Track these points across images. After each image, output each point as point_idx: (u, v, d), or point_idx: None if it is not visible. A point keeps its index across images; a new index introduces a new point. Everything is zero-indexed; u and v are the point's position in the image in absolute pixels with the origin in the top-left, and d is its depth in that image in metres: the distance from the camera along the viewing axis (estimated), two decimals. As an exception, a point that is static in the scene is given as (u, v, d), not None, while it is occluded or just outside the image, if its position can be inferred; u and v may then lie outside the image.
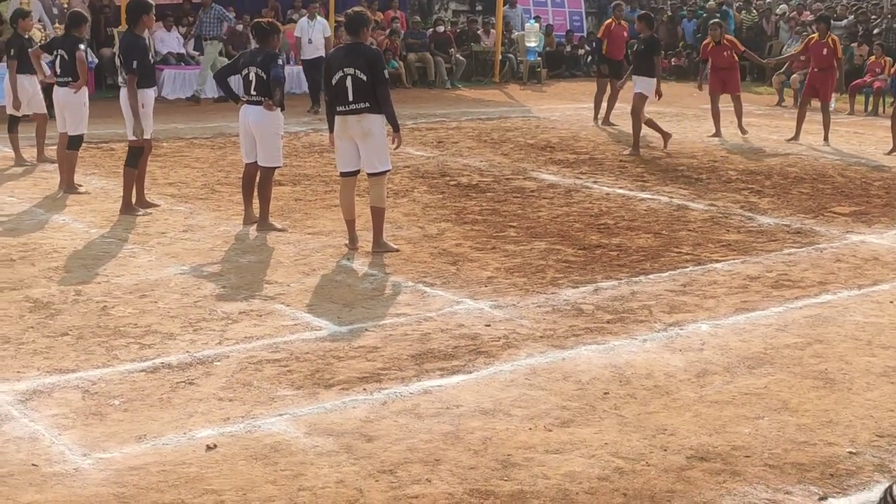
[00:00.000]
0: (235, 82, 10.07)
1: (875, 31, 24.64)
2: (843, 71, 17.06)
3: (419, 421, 5.55)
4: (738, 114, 17.19)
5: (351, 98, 8.73)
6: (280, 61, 9.67)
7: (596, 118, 18.25)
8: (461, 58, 24.76)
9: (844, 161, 14.59)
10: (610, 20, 18.51)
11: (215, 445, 5.15)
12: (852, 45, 24.38)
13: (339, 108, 8.83)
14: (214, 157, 13.77)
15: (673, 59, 27.91)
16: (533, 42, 25.81)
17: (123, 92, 10.23)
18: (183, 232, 9.66)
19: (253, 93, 9.65)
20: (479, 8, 28.38)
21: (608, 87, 18.13)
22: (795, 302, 7.88)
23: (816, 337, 7.09)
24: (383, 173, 9.01)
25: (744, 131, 16.95)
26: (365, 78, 8.69)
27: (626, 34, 18.45)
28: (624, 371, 6.36)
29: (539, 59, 26.08)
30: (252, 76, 9.62)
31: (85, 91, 11.41)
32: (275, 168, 9.91)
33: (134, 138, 10.25)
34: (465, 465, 5.04)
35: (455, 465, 5.03)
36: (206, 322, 7.07)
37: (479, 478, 4.90)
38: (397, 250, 9.07)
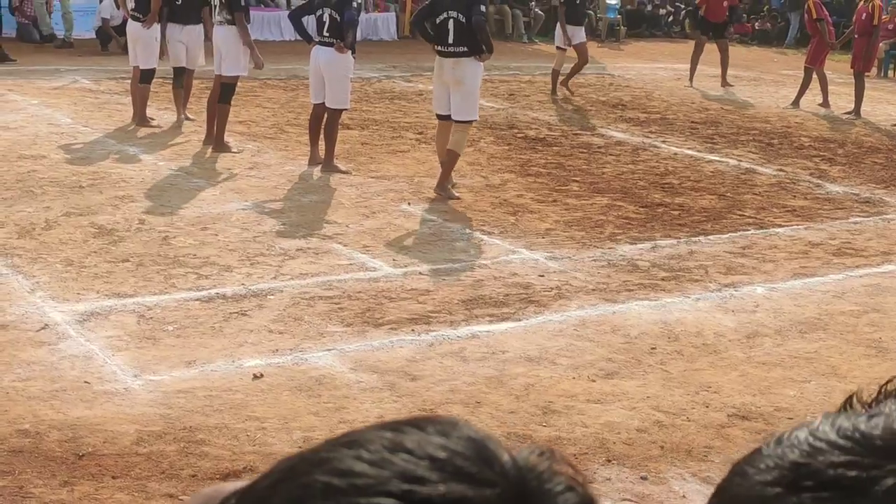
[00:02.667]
0: (310, 24, 10.12)
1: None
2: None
3: (464, 364, 5.60)
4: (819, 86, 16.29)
5: (451, 41, 8.93)
6: (355, 4, 9.70)
7: (691, 79, 17.66)
8: (539, 12, 24.55)
9: (923, 133, 14.27)
10: None
11: (262, 375, 5.26)
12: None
13: (439, 49, 9.06)
14: (286, 99, 13.88)
15: (756, 23, 27.42)
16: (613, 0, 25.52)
17: (220, 29, 10.36)
18: (248, 169, 9.79)
19: (326, 34, 9.70)
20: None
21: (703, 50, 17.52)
22: (856, 270, 7.78)
23: (874, 306, 7.00)
24: (469, 122, 9.18)
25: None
26: (464, 21, 8.88)
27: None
28: (673, 328, 6.35)
29: (619, 16, 25.77)
30: (326, 17, 9.66)
31: (157, 26, 11.52)
32: (342, 110, 9.97)
33: (228, 75, 10.37)
34: (506, 409, 5.09)
35: (495, 409, 5.08)
36: (263, 257, 7.18)
37: (517, 422, 4.95)
38: (458, 198, 9.11)
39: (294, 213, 8.36)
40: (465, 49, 8.94)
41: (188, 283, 6.56)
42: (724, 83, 17.40)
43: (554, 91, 15.41)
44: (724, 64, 17.53)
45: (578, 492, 0.65)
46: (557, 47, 15.32)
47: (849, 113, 15.29)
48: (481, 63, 9.12)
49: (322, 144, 9.97)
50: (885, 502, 0.63)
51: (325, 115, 9.91)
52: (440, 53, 9.10)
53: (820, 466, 0.66)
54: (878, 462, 0.65)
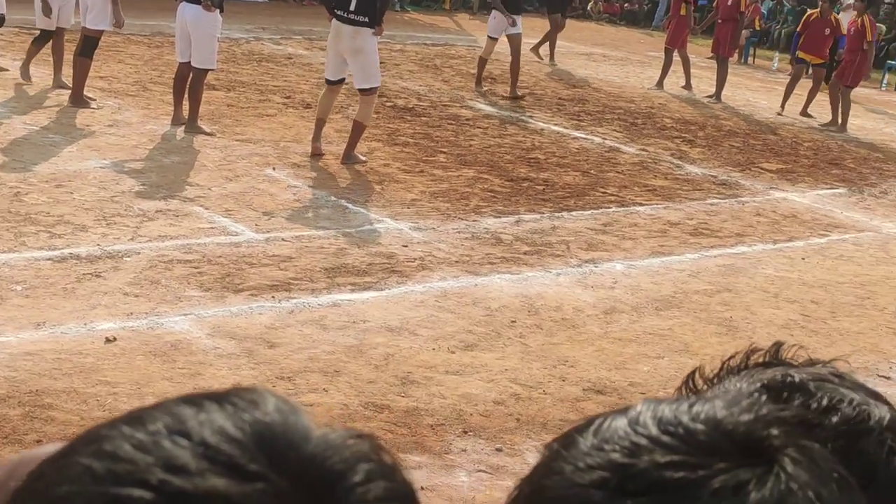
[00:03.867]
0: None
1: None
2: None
3: (324, 332, 5.56)
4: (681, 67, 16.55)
5: (353, 8, 8.85)
6: None
7: (552, 57, 17.53)
8: (413, -19, 24.46)
9: (778, 120, 14.73)
10: None
11: (115, 338, 5.12)
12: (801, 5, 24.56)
13: (339, 13, 8.94)
14: (150, 55, 13.50)
15: (626, 4, 27.88)
16: (487, -28, 25.58)
17: None
18: (108, 127, 9.49)
19: None
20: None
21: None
22: (711, 251, 7.99)
23: (726, 286, 7.20)
24: (373, 90, 9.19)
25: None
26: None
27: None
28: (534, 302, 6.41)
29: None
30: None
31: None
32: (207, 70, 9.74)
33: (91, 27, 9.94)
34: (365, 378, 5.06)
35: (354, 378, 5.05)
36: (120, 217, 6.98)
37: (375, 392, 4.94)
38: (365, 161, 9.25)
39: (154, 174, 8.14)
40: (366, 20, 8.88)
41: (39, 242, 6.33)
42: (552, 58, 17.31)
43: (479, 83, 14.28)
44: (553, 40, 17.41)
45: (385, 482, 0.60)
46: (489, 36, 14.17)
47: (710, 96, 15.68)
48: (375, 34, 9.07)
49: (186, 104, 9.73)
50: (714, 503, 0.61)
51: (192, 76, 9.68)
52: (339, 19, 8.97)
53: (644, 467, 0.62)
54: (703, 461, 0.62)
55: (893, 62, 20.68)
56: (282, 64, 14.03)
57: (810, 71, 15.80)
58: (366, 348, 5.43)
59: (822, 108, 15.14)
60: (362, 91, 9.19)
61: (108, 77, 11.77)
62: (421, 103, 12.53)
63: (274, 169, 8.73)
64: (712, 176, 10.58)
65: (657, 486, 0.61)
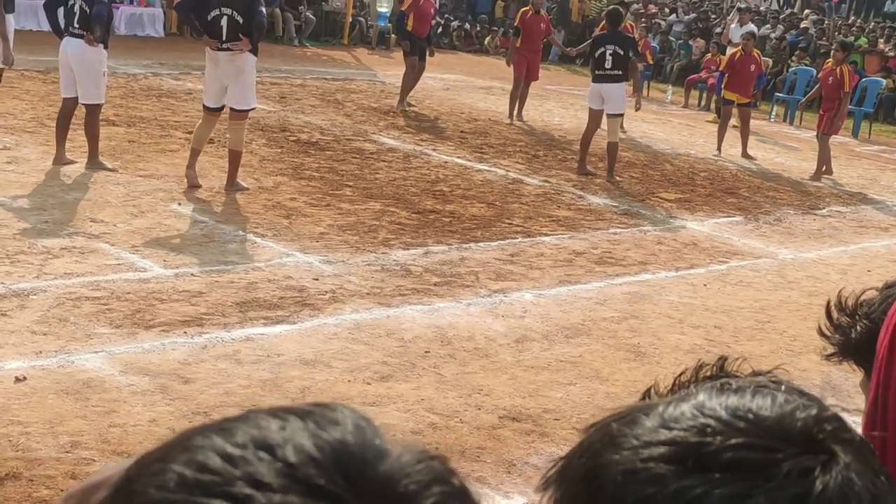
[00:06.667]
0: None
1: (716, 30, 25.51)
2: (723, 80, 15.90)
3: (238, 367, 5.53)
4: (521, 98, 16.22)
5: (225, 38, 9.00)
6: None
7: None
8: (311, 16, 24.50)
9: (674, 150, 15.09)
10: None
11: (24, 377, 5.02)
12: (690, 40, 25.30)
13: (213, 44, 9.12)
14: (45, 91, 13.27)
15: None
16: (384, 7, 25.74)
17: None
18: (7, 163, 9.31)
19: (76, 25, 9.34)
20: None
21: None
22: (616, 279, 8.15)
23: (633, 313, 7.35)
24: (246, 113, 9.32)
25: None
26: (241, 20, 8.98)
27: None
28: (446, 332, 6.47)
29: (389, 24, 26.03)
30: (76, 8, 9.32)
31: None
32: (97, 105, 9.59)
33: None
34: (282, 411, 5.04)
35: (271, 412, 5.03)
36: (24, 255, 6.85)
37: (294, 425, 4.92)
38: (248, 189, 9.35)
39: (57, 211, 8.01)
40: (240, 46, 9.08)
41: (-59, 282, 6.18)
42: (402, 103, 15.69)
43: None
44: (407, 86, 15.94)
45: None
46: None
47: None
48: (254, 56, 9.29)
49: (74, 142, 9.58)
50: (786, 485, 0.67)
51: (85, 112, 9.54)
52: (214, 48, 9.11)
53: (717, 447, 0.68)
54: (774, 444, 0.68)
55: (780, 94, 21.33)
56: (182, 99, 13.93)
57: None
58: (281, 382, 5.41)
59: (730, 145, 15.56)
60: (236, 113, 9.25)
61: (4, 114, 11.55)
62: (324, 137, 12.54)
63: (179, 204, 8.66)
64: (614, 206, 10.79)
65: (732, 464, 0.67)
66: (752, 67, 15.39)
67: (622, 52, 12.17)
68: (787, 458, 0.68)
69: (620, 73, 12.30)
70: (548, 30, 16.91)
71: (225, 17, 8.99)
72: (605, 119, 12.44)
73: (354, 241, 8.20)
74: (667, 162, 14.02)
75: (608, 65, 12.12)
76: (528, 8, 16.58)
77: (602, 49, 12.04)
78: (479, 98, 17.96)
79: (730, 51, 18.45)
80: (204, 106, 9.46)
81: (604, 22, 13.36)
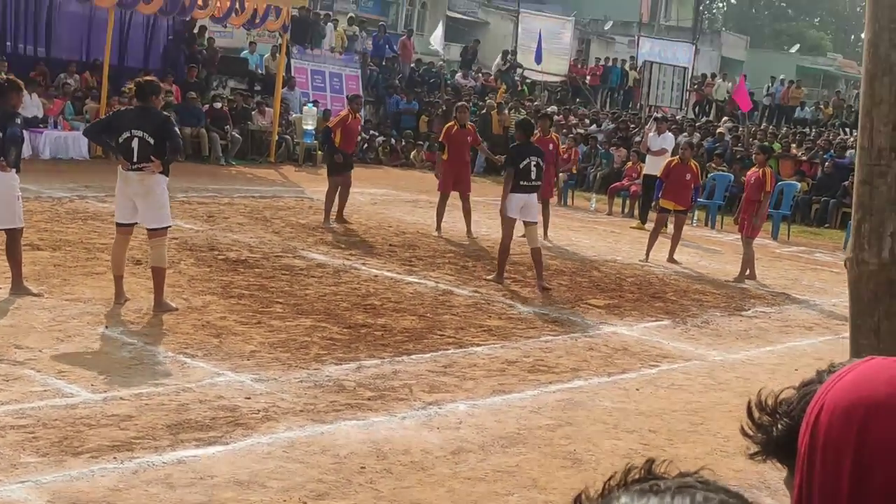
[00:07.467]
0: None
1: (635, 139, 26.17)
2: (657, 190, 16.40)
3: (171, 491, 5.41)
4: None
5: (136, 159, 9.08)
6: (18, 120, 9.40)
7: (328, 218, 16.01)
8: (237, 135, 24.65)
9: (601, 257, 15.31)
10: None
11: (-52, 512, 4.86)
12: (611, 149, 25.93)
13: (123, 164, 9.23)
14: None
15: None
16: (310, 125, 26.01)
17: None
18: (-72, 291, 9.14)
19: None
20: (258, 88, 28.34)
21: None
22: (549, 386, 8.17)
23: (567, 419, 7.36)
24: (164, 231, 9.32)
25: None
26: (152, 142, 9.06)
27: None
28: (382, 446, 6.41)
29: (315, 141, 26.27)
30: None
31: None
32: (16, 230, 9.49)
33: None
34: (216, 535, 4.94)
35: (205, 536, 4.92)
36: (-54, 385, 6.69)
37: (229, 548, 4.82)
38: (177, 309, 9.28)
39: (-19, 338, 7.86)
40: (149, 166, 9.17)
41: None
42: (339, 218, 15.97)
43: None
44: (331, 201, 16.05)
45: None
46: None
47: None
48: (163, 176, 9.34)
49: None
50: None
51: (6, 238, 9.44)
52: (126, 168, 9.23)
53: None
54: None
55: (701, 200, 21.83)
56: (108, 222, 13.79)
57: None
58: (215, 504, 5.31)
59: (680, 254, 15.82)
60: (153, 232, 9.31)
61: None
62: (253, 255, 12.53)
63: (107, 327, 8.55)
64: (544, 314, 10.88)
65: None
66: (688, 176, 15.60)
67: (543, 164, 12.43)
68: None
69: (540, 183, 12.59)
70: (475, 140, 17.18)
71: (136, 140, 9.10)
72: (522, 227, 12.61)
73: (286, 359, 8.15)
74: (594, 269, 14.21)
75: (533, 175, 12.31)
76: (452, 123, 16.83)
77: (527, 160, 12.23)
78: (406, 211, 18.12)
79: (651, 160, 18.98)
80: (116, 223, 9.55)
81: (517, 132, 13.17)
